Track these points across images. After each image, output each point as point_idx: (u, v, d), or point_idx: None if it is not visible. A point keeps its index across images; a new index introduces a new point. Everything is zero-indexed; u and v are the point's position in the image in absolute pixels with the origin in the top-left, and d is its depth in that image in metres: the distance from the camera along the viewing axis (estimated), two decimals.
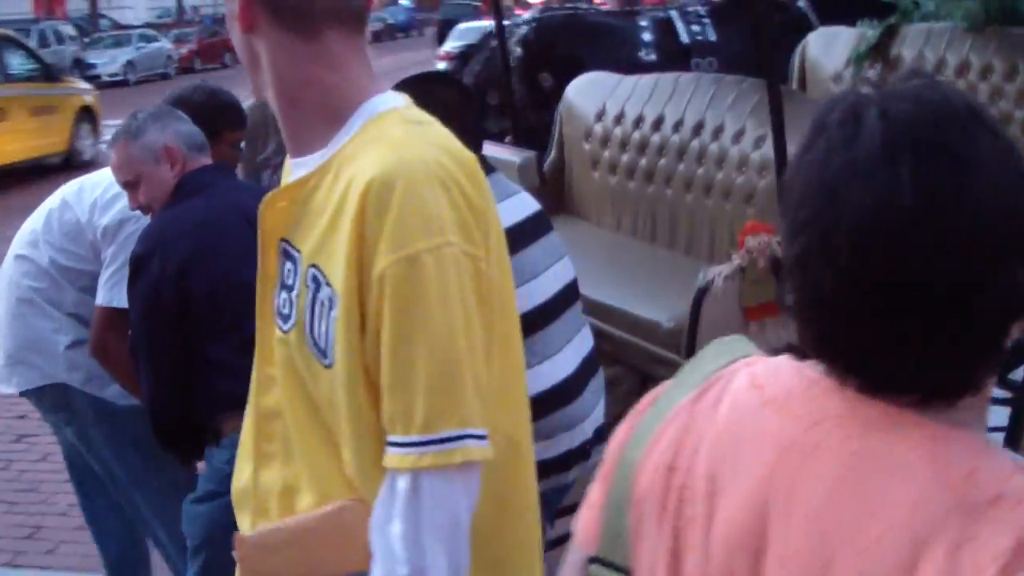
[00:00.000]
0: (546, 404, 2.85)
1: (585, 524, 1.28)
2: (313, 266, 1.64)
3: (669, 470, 1.17)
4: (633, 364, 3.80)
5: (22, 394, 3.50)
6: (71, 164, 14.14)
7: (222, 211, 2.99)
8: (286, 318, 1.70)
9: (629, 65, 5.37)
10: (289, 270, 1.72)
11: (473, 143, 2.98)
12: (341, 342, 1.61)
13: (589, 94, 4.86)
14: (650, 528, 1.18)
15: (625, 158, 4.54)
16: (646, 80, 4.63)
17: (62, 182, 3.61)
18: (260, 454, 1.80)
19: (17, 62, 14.34)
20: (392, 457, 1.56)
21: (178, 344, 2.94)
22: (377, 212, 1.56)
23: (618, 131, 4.59)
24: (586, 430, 2.97)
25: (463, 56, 6.93)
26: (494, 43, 6.69)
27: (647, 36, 6.23)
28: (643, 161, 4.46)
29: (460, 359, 1.57)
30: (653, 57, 6.11)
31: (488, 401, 1.63)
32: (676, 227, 4.30)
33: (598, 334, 3.89)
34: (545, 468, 2.86)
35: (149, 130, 3.08)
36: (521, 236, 2.90)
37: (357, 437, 1.63)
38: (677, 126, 4.32)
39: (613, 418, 3.73)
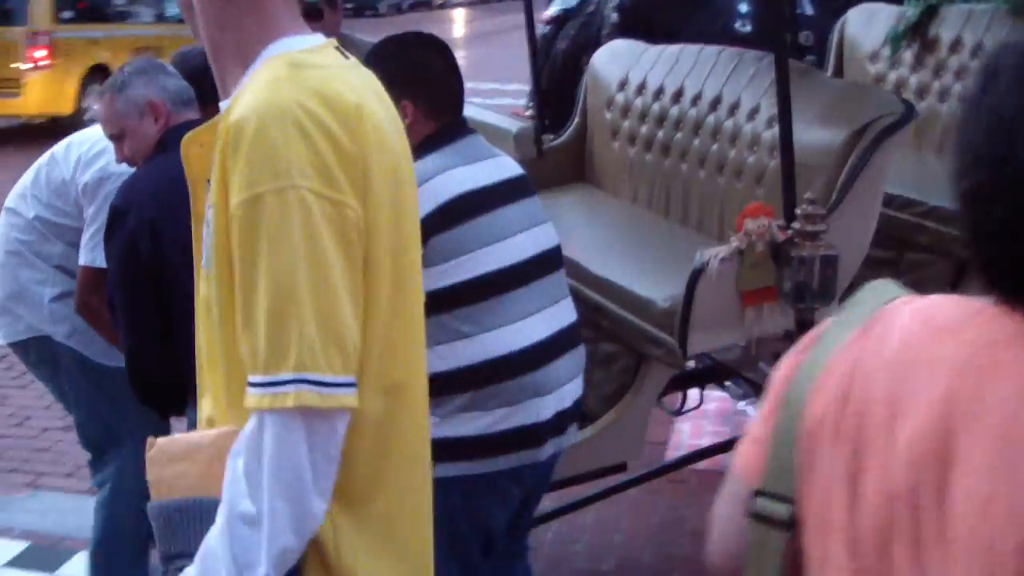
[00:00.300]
0: (507, 367, 2.83)
1: (748, 458, 1.37)
2: (209, 207, 1.69)
3: (843, 400, 1.25)
4: (628, 342, 3.74)
5: (9, 346, 3.54)
6: None
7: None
8: (206, 258, 1.74)
9: (724, 36, 5.25)
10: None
11: (448, 105, 2.96)
12: (215, 279, 1.66)
13: (615, 62, 4.77)
14: (823, 457, 1.26)
15: (644, 129, 4.47)
16: (671, 51, 4.54)
17: None
18: (200, 387, 1.85)
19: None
20: (246, 396, 1.59)
21: (154, 297, 2.96)
22: (232, 153, 1.60)
23: (638, 102, 4.51)
24: (558, 402, 2.92)
25: (559, 20, 6.80)
26: (590, 8, 6.62)
27: (744, 7, 6.09)
28: (660, 134, 4.38)
29: (299, 301, 1.57)
30: (748, 28, 5.96)
31: (350, 346, 1.63)
32: (689, 203, 4.22)
33: (596, 309, 3.84)
34: (511, 439, 2.86)
35: (134, 84, 3.09)
36: (492, 197, 2.90)
37: (227, 374, 1.69)
38: (695, 100, 4.24)
39: (611, 395, 3.73)
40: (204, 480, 1.69)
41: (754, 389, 4.28)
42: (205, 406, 1.82)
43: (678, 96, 4.33)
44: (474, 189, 2.87)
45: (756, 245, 3.47)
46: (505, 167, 3.03)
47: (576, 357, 3.05)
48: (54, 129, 10.78)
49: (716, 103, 4.14)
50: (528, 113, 4.90)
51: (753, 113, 3.88)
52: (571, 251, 4.00)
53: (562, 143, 4.84)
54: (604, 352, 3.92)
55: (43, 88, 12.81)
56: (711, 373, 4.39)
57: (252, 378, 1.59)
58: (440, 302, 2.78)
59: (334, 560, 1.69)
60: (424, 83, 2.94)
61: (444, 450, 2.79)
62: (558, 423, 2.94)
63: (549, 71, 5.62)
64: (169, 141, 3.02)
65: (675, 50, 4.52)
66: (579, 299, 3.87)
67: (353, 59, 1.87)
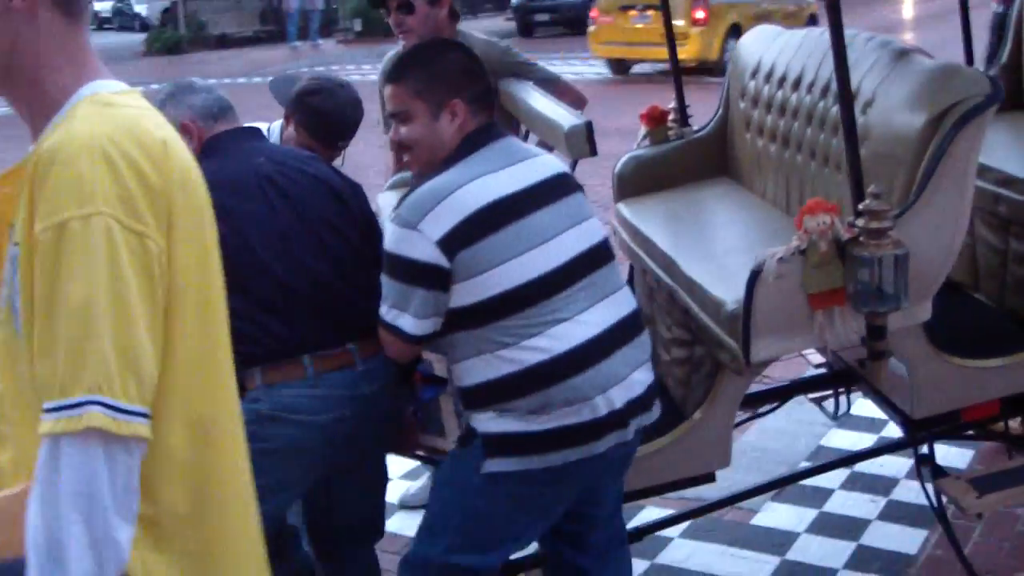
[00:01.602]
0: (557, 372, 2.80)
1: None
2: (14, 244, 1.73)
3: None
4: (708, 346, 3.57)
5: None
6: None
7: (232, 173, 3.09)
8: (3, 297, 1.79)
9: None
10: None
11: (490, 104, 2.96)
12: (24, 314, 1.69)
13: (753, 49, 4.55)
14: None
15: (769, 119, 4.24)
16: (799, 35, 4.28)
17: None
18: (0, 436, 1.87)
19: None
20: (41, 423, 1.61)
21: None
22: (40, 183, 1.64)
23: (765, 89, 4.28)
24: (619, 396, 2.87)
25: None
26: None
27: None
28: (781, 123, 4.14)
29: (98, 328, 1.60)
30: None
31: (147, 376, 1.65)
32: (804, 198, 3.96)
33: (685, 311, 3.69)
34: (566, 436, 2.84)
35: (166, 110, 3.21)
36: (526, 202, 2.86)
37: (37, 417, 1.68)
38: (811, 88, 3.97)
39: (701, 400, 3.56)
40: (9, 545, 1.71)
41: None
42: (6, 455, 1.83)
43: (797, 83, 4.07)
44: (505, 196, 2.84)
45: (819, 244, 3.22)
46: (541, 168, 2.98)
47: (638, 346, 2.99)
48: (701, 71, 16.43)
49: (826, 91, 3.87)
50: None
51: (868, 105, 3.59)
52: (670, 248, 3.87)
53: (706, 135, 4.67)
54: (698, 355, 3.76)
55: (700, 40, 17.32)
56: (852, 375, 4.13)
57: (47, 404, 1.61)
58: (474, 316, 2.80)
59: None
60: (470, 82, 2.98)
61: (495, 445, 2.84)
62: (620, 416, 2.89)
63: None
64: (210, 150, 3.17)
65: (802, 34, 4.26)
66: (676, 300, 3.75)
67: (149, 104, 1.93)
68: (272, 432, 3.02)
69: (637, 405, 2.94)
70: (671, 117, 4.71)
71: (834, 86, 3.77)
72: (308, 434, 3.04)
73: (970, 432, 4.15)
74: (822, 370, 4.47)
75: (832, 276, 3.23)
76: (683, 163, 4.61)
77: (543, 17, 26.56)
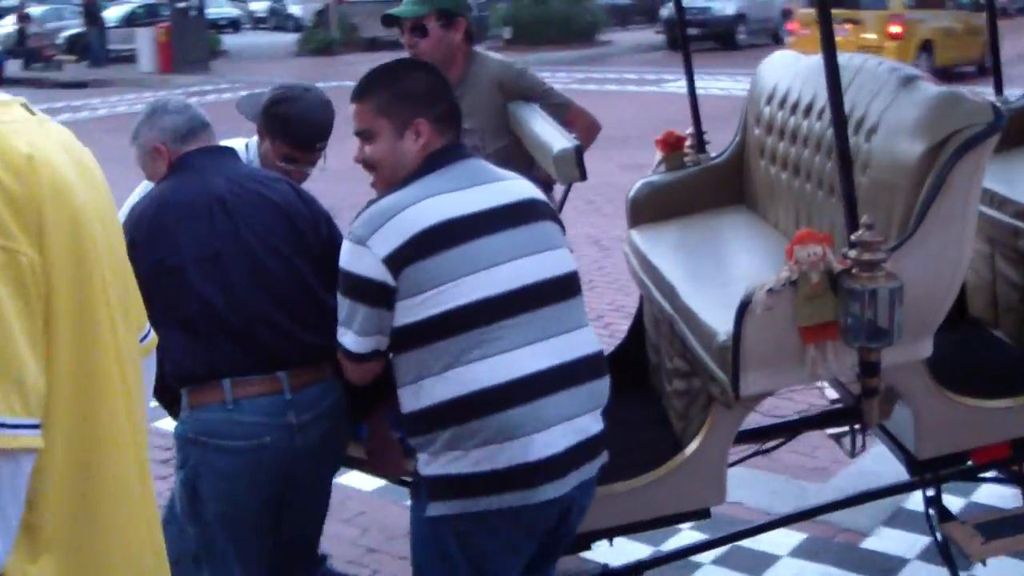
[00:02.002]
0: (486, 404, 2.70)
1: None
2: None
3: None
4: (702, 378, 3.47)
5: None
6: None
7: (186, 194, 3.10)
8: None
9: None
10: None
11: (456, 123, 2.90)
12: None
13: (770, 74, 4.45)
14: None
15: (781, 146, 4.13)
16: (816, 61, 4.16)
17: None
18: None
19: None
20: None
21: None
22: None
23: (779, 116, 4.18)
24: (557, 441, 2.74)
25: None
26: None
27: None
28: (792, 151, 4.03)
29: None
30: None
31: (31, 388, 1.63)
32: (811, 227, 3.85)
33: (683, 341, 3.60)
34: (496, 479, 2.73)
35: (142, 132, 3.30)
36: (480, 224, 2.79)
37: None
38: (820, 115, 3.86)
39: (694, 434, 3.46)
40: None
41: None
42: None
43: (808, 110, 3.96)
44: (457, 217, 2.78)
45: (810, 275, 3.11)
46: (503, 192, 2.90)
47: (588, 392, 2.86)
48: None
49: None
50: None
51: (872, 132, 3.48)
52: (673, 275, 3.78)
53: (722, 162, 4.57)
54: (695, 387, 3.66)
55: (894, 53, 17.29)
56: None
57: None
58: (415, 336, 2.74)
59: None
60: (436, 101, 2.93)
61: (434, 488, 2.76)
62: (558, 461, 2.76)
63: None
64: (174, 170, 3.20)
65: (819, 60, 4.14)
66: (676, 330, 3.65)
67: (41, 116, 1.89)
68: (195, 456, 3.05)
69: (578, 452, 2.81)
70: (688, 143, 4.62)
71: (853, 113, 3.69)
72: (227, 459, 3.00)
73: (982, 475, 3.99)
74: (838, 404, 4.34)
75: (824, 309, 3.12)
76: (698, 190, 4.52)
77: (693, 31, 26.76)
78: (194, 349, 2.99)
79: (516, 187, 2.95)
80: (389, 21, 4.28)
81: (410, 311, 2.72)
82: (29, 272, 1.65)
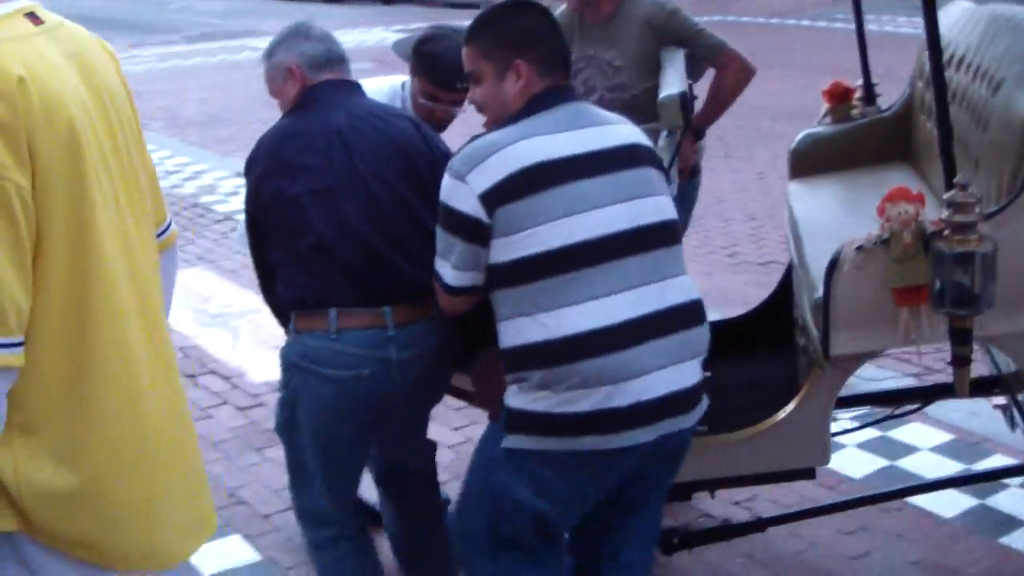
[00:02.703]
0: (574, 350, 2.72)
1: None
2: None
3: None
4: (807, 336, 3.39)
5: None
6: None
7: (309, 125, 3.22)
8: None
9: None
10: None
11: (559, 64, 2.93)
12: None
13: (942, 21, 4.21)
14: None
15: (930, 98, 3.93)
16: (984, 11, 3.93)
17: None
18: None
19: None
20: None
21: (255, 240, 3.30)
22: None
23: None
24: (645, 390, 2.74)
25: None
26: None
27: None
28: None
29: None
30: None
31: (12, 311, 1.75)
32: None
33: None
34: (580, 422, 2.76)
35: (277, 51, 3.38)
36: (579, 167, 2.80)
37: None
38: (967, 67, 3.66)
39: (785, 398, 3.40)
40: None
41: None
42: None
43: (960, 63, 3.76)
44: (555, 159, 2.78)
45: (902, 235, 2.99)
46: (607, 136, 2.88)
47: (682, 341, 2.82)
48: None
49: (977, 71, 3.56)
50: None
51: (997, 87, 3.30)
52: (806, 229, 3.72)
53: (889, 116, 4.39)
54: (802, 345, 3.59)
55: None
56: None
57: None
58: (510, 275, 2.77)
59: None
60: (536, 43, 2.94)
61: (516, 421, 2.82)
62: (642, 411, 2.75)
63: None
64: (299, 101, 3.29)
65: (978, 9, 3.92)
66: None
67: (52, 20, 1.95)
68: (294, 380, 3.17)
69: (665, 403, 2.77)
70: (857, 95, 4.45)
71: (984, 66, 3.50)
72: (324, 386, 3.09)
73: None
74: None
75: (916, 271, 2.99)
76: (863, 144, 4.36)
77: None
78: (305, 276, 3.11)
79: (619, 131, 2.92)
80: None
81: (504, 250, 2.75)
82: (18, 199, 1.74)
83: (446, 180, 2.83)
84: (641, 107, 4.08)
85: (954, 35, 3.93)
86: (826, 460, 3.46)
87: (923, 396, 4.03)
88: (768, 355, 4.01)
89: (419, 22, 19.70)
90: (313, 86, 3.28)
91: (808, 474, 3.54)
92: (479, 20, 3.00)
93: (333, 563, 3.40)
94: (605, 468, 2.85)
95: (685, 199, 4.49)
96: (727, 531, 3.86)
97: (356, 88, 3.40)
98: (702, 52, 4.26)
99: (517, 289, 2.76)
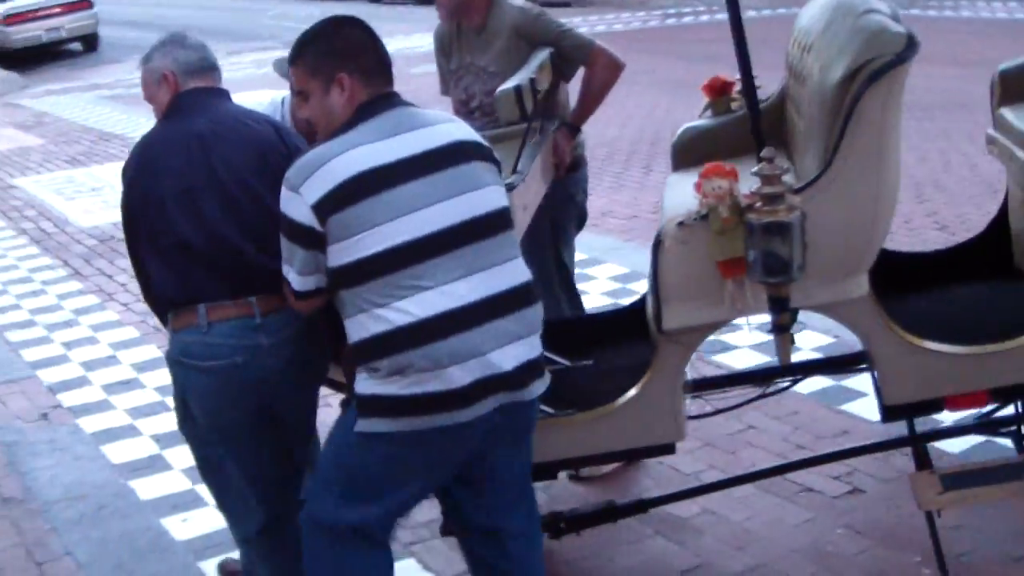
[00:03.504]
0: (415, 337, 2.88)
1: None
2: None
3: None
4: None
5: None
6: None
7: (174, 130, 3.38)
8: None
9: None
10: None
11: (381, 75, 3.07)
12: None
13: (809, 13, 4.33)
14: None
15: (794, 87, 4.04)
16: None
17: None
18: None
19: None
20: None
21: (132, 245, 3.45)
22: None
23: (794, 55, 4.07)
24: (485, 367, 2.91)
25: None
26: None
27: None
28: (799, 92, 3.95)
29: None
30: None
31: None
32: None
33: None
34: (427, 402, 2.91)
35: (154, 57, 3.53)
36: (402, 171, 2.96)
37: None
38: (808, 50, 3.77)
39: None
40: None
41: None
42: None
43: (809, 47, 3.86)
44: (379, 166, 2.93)
45: (719, 210, 3.11)
46: (429, 137, 3.03)
47: (518, 320, 3.00)
48: None
49: (816, 55, 3.67)
50: None
51: (824, 68, 3.41)
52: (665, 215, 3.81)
53: (764, 107, 4.47)
54: None
55: None
56: None
57: None
58: (347, 277, 2.94)
59: None
60: (356, 55, 3.08)
61: (365, 406, 2.98)
62: (488, 387, 2.93)
63: None
64: (170, 108, 3.45)
65: None
66: None
67: None
68: (180, 377, 3.35)
69: (508, 378, 2.95)
70: (736, 88, 4.56)
71: (820, 50, 3.61)
72: (205, 379, 3.27)
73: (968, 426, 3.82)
74: None
75: (735, 243, 3.11)
76: (741, 135, 4.44)
77: None
78: (174, 276, 3.28)
79: (442, 131, 3.07)
80: None
81: (340, 254, 2.92)
82: None
83: (283, 191, 2.99)
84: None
85: (812, 22, 4.03)
86: (681, 436, 3.57)
87: (793, 373, 4.12)
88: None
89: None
90: (184, 92, 3.45)
91: (667, 450, 3.63)
92: (300, 40, 3.15)
93: (259, 557, 3.58)
94: (454, 443, 3.01)
95: (573, 191, 4.62)
96: (612, 513, 3.96)
97: (223, 95, 3.56)
98: (570, 52, 4.40)
99: (354, 290, 2.93)
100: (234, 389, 3.29)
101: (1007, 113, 4.13)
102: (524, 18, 4.43)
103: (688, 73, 12.67)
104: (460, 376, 2.87)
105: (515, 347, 2.96)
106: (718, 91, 4.55)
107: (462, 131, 3.12)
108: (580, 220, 4.80)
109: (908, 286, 4.07)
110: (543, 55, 4.21)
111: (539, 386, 3.05)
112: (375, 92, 3.06)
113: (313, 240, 2.94)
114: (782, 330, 3.17)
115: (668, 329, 3.28)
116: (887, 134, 3.08)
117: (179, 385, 3.38)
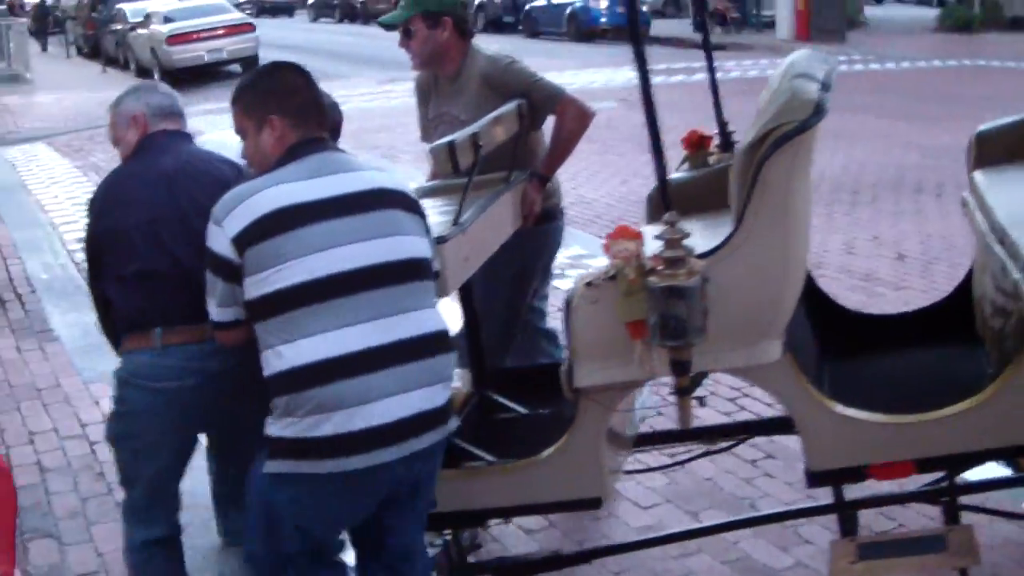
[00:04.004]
0: (313, 377, 2.97)
1: None
2: None
3: None
4: None
5: None
6: None
7: (142, 168, 3.60)
8: None
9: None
10: None
11: (310, 118, 3.18)
12: None
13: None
14: None
15: None
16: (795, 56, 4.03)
17: None
18: None
19: None
20: None
21: (94, 273, 3.67)
22: None
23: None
24: (374, 416, 2.98)
25: None
26: None
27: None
28: None
29: None
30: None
31: None
32: None
33: None
34: (322, 446, 3.00)
35: (126, 100, 3.76)
36: (319, 211, 3.06)
37: None
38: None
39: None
40: None
41: None
42: None
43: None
44: (297, 203, 3.05)
45: (626, 271, 3.13)
46: (350, 182, 3.14)
47: (423, 368, 3.07)
48: None
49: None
50: None
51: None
52: None
53: None
54: None
55: None
56: None
57: None
58: (257, 311, 3.06)
59: None
60: (288, 100, 3.21)
61: (272, 447, 3.10)
62: (383, 434, 3.00)
63: None
64: (138, 147, 3.68)
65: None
66: None
67: None
68: (126, 395, 3.54)
69: (404, 426, 3.02)
70: (714, 143, 4.56)
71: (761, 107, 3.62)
72: (153, 399, 3.46)
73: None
74: None
75: (641, 306, 3.12)
76: (716, 189, 4.40)
77: None
78: (135, 301, 3.49)
79: (364, 177, 3.17)
80: (386, 27, 4.57)
81: (253, 287, 3.03)
82: None
83: (209, 225, 3.11)
84: (487, 158, 4.28)
85: (771, 81, 4.04)
86: (605, 492, 3.58)
87: (736, 432, 4.10)
88: None
89: (665, 62, 20.23)
90: (152, 134, 3.67)
91: (594, 504, 3.65)
92: (240, 83, 3.32)
93: (142, 564, 3.72)
94: (356, 488, 3.08)
95: (544, 243, 4.66)
96: (557, 561, 3.99)
97: (188, 138, 3.79)
98: (539, 102, 4.44)
99: (265, 323, 3.03)
100: (180, 410, 3.47)
101: (978, 176, 4.08)
102: (493, 68, 4.49)
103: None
104: (356, 421, 2.94)
105: (411, 396, 3.03)
106: (696, 145, 4.56)
107: (388, 180, 3.22)
108: (548, 271, 4.82)
109: (865, 349, 4.04)
110: (508, 108, 4.26)
111: (432, 436, 3.11)
112: (305, 135, 3.17)
113: (231, 272, 3.05)
114: (683, 393, 3.17)
115: (580, 387, 3.30)
116: (793, 200, 3.08)
117: (126, 403, 3.54)
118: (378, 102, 18.13)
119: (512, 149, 4.29)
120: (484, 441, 3.82)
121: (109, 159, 10.70)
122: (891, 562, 3.35)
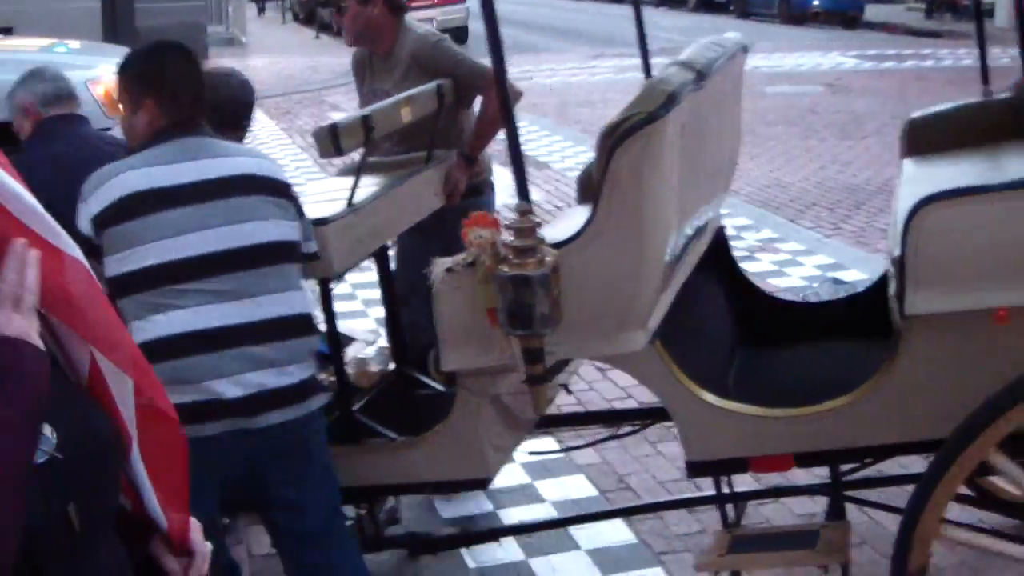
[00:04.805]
0: (168, 350, 3.03)
1: None
2: None
3: None
4: None
5: None
6: None
7: (35, 155, 3.75)
8: None
9: None
10: None
11: (181, 103, 3.21)
12: None
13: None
14: None
15: None
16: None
17: None
18: None
19: None
20: None
21: None
22: None
23: None
24: (221, 390, 3.05)
25: None
26: None
27: None
28: None
29: None
30: None
31: None
32: None
33: None
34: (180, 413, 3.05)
35: (18, 92, 3.89)
36: (177, 196, 3.11)
37: None
38: None
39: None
40: None
41: None
42: None
43: None
44: (156, 187, 3.11)
45: (482, 259, 3.11)
46: (217, 167, 3.18)
47: (279, 349, 3.13)
48: None
49: None
50: None
51: None
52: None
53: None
54: None
55: None
56: None
57: None
58: (117, 288, 3.12)
59: None
60: (162, 84, 3.24)
61: None
62: (232, 407, 3.06)
63: None
64: (35, 134, 3.81)
65: None
66: None
67: None
68: None
69: (253, 401, 3.07)
70: None
71: None
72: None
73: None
74: None
75: (496, 293, 3.11)
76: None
77: None
78: None
79: (229, 163, 3.20)
80: (322, 5, 4.60)
81: (112, 266, 3.10)
82: None
83: (78, 203, 3.15)
84: (414, 135, 4.28)
85: None
86: (487, 472, 3.58)
87: (642, 417, 4.07)
88: None
89: (876, 48, 19.89)
90: (44, 120, 3.79)
91: (481, 484, 3.66)
92: (126, 58, 3.34)
93: None
94: (213, 456, 3.07)
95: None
96: (465, 539, 4.02)
97: (82, 120, 3.88)
98: (465, 81, 4.42)
99: (124, 300, 3.08)
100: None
101: (906, 164, 3.97)
102: (420, 46, 4.49)
103: None
104: (204, 393, 3.02)
105: (271, 373, 3.08)
106: None
107: (256, 165, 3.25)
108: None
109: (783, 337, 3.97)
110: (425, 88, 4.23)
111: (287, 413, 3.14)
112: (175, 119, 3.19)
113: (90, 250, 3.07)
114: (535, 381, 3.15)
115: (447, 370, 3.30)
116: (646, 192, 3.02)
117: None
118: (583, 76, 17.61)
119: (433, 129, 4.28)
120: (395, 418, 3.84)
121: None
122: (757, 556, 3.32)
